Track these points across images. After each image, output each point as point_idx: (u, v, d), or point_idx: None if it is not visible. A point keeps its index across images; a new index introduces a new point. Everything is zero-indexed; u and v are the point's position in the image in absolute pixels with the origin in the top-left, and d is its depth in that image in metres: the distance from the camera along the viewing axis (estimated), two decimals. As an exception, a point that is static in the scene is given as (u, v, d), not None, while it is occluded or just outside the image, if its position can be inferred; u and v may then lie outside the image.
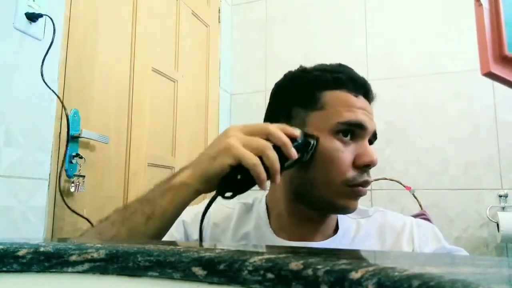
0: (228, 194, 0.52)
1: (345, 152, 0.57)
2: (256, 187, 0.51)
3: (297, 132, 0.54)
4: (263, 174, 0.49)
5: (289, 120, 0.61)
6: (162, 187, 0.53)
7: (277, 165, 0.50)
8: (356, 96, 0.60)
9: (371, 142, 0.62)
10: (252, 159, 0.49)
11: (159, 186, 0.54)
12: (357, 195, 0.59)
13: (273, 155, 0.50)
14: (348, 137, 0.58)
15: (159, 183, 0.55)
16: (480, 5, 0.48)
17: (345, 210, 0.60)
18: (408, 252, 0.60)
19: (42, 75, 0.98)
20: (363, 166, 0.57)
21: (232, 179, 0.51)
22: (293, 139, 0.53)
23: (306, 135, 0.55)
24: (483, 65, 0.47)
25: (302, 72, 0.65)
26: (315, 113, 0.60)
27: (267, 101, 0.69)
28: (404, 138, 1.72)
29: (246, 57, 2.09)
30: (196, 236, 0.65)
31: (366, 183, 0.58)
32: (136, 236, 0.51)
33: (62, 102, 1.05)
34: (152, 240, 0.57)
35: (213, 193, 0.54)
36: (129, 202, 0.55)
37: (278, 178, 0.51)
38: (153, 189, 0.54)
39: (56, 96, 1.03)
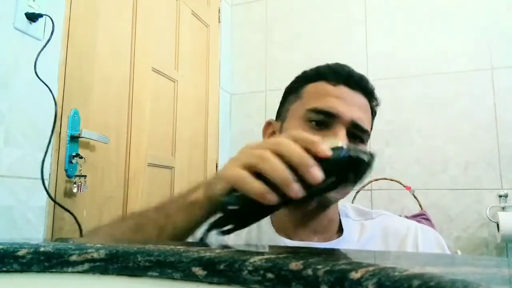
0: (227, 227, 0.42)
1: None
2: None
3: (323, 147, 0.38)
4: (257, 187, 0.38)
5: (284, 119, 0.63)
6: (179, 202, 0.50)
7: (282, 172, 0.37)
8: (334, 85, 0.60)
9: (361, 139, 0.59)
10: (236, 175, 0.40)
11: (175, 201, 0.51)
12: None
13: (271, 164, 0.38)
14: (322, 127, 0.57)
15: (176, 197, 0.52)
16: None
17: (325, 202, 0.58)
18: (408, 252, 0.60)
19: (36, 72, 0.97)
20: None
21: (225, 210, 0.42)
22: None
23: (350, 150, 0.39)
24: None
25: (303, 72, 0.66)
26: (294, 104, 0.62)
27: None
28: (404, 138, 1.72)
29: (246, 57, 2.09)
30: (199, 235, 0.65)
31: None
32: None
33: (55, 101, 1.05)
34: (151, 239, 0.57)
35: None
36: (145, 209, 0.53)
37: (296, 189, 0.37)
38: (170, 202, 0.52)
39: (51, 95, 1.02)
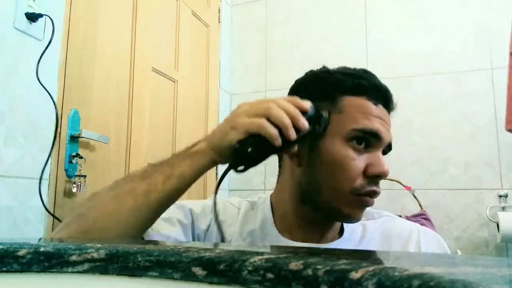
0: (240, 167, 0.53)
1: (356, 160, 0.56)
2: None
3: (307, 104, 0.53)
4: (274, 131, 0.49)
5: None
6: (181, 155, 0.56)
7: (286, 120, 0.50)
8: (376, 105, 0.59)
9: (385, 152, 0.61)
10: (257, 122, 0.50)
11: (177, 155, 0.56)
12: (363, 205, 0.58)
13: (279, 112, 0.50)
14: (362, 145, 0.57)
15: (176, 153, 0.57)
16: None
17: (349, 219, 0.59)
18: (408, 252, 0.60)
19: (37, 74, 0.97)
20: (374, 176, 0.56)
21: (243, 153, 0.51)
22: (303, 112, 0.52)
23: (317, 108, 0.54)
24: (510, 121, 0.46)
25: (324, 73, 0.63)
26: (332, 116, 0.58)
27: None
28: (404, 138, 1.72)
29: (246, 57, 2.09)
30: (203, 226, 0.65)
31: (374, 193, 0.57)
32: (153, 192, 0.53)
33: (54, 103, 1.05)
34: (151, 240, 0.57)
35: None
36: (147, 165, 0.57)
37: (293, 133, 0.50)
38: (171, 157, 0.57)
39: (50, 97, 1.02)
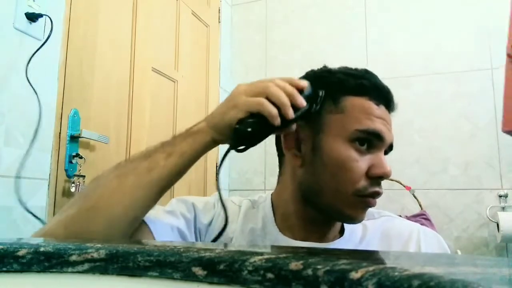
0: (241, 147, 0.54)
1: (359, 162, 0.56)
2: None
3: (304, 83, 0.54)
4: (273, 109, 0.50)
5: (320, 129, 0.60)
6: (181, 135, 0.57)
7: (284, 98, 0.51)
8: (377, 105, 0.58)
9: (386, 152, 0.61)
10: (256, 101, 0.51)
11: (177, 135, 0.57)
12: (366, 206, 0.58)
13: (277, 91, 0.51)
14: (365, 146, 0.57)
15: (177, 134, 0.58)
16: None
17: (352, 221, 0.59)
18: (408, 252, 0.60)
19: (26, 73, 0.96)
20: (376, 177, 0.56)
21: (244, 133, 0.52)
22: (300, 90, 0.53)
23: (313, 87, 0.55)
24: (507, 122, 0.46)
25: (325, 72, 0.63)
26: (334, 116, 0.58)
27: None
28: (404, 138, 1.72)
29: (246, 57, 2.09)
30: (205, 221, 0.65)
31: (376, 194, 0.57)
32: (155, 169, 0.54)
33: (40, 102, 1.05)
34: (151, 240, 0.57)
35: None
36: (149, 146, 0.58)
37: (291, 112, 0.51)
38: (172, 137, 0.58)
39: (37, 99, 1.00)
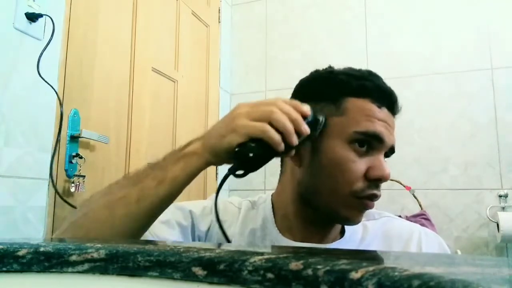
0: (239, 172, 0.51)
1: (357, 163, 0.56)
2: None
3: (307, 109, 0.52)
4: (277, 136, 0.48)
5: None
6: (174, 156, 0.54)
7: (289, 125, 0.49)
8: (379, 107, 0.58)
9: (387, 155, 0.60)
10: (259, 126, 0.49)
11: (170, 155, 0.55)
12: (363, 208, 0.57)
13: (282, 117, 0.49)
14: (364, 148, 0.56)
15: (170, 152, 0.55)
16: None
17: (348, 222, 0.59)
18: (408, 252, 0.60)
19: (38, 72, 0.97)
20: (374, 179, 0.56)
21: (244, 158, 0.50)
22: (303, 117, 0.52)
23: (314, 113, 0.54)
24: None
25: (328, 73, 0.62)
26: (334, 118, 0.57)
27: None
28: (404, 138, 1.72)
29: (246, 57, 2.09)
30: (203, 228, 0.65)
31: (374, 197, 0.57)
32: (145, 199, 0.52)
33: (60, 101, 1.05)
34: (152, 241, 0.57)
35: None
36: (139, 168, 0.56)
37: (295, 139, 0.49)
38: (165, 158, 0.55)
39: (56, 95, 1.03)
